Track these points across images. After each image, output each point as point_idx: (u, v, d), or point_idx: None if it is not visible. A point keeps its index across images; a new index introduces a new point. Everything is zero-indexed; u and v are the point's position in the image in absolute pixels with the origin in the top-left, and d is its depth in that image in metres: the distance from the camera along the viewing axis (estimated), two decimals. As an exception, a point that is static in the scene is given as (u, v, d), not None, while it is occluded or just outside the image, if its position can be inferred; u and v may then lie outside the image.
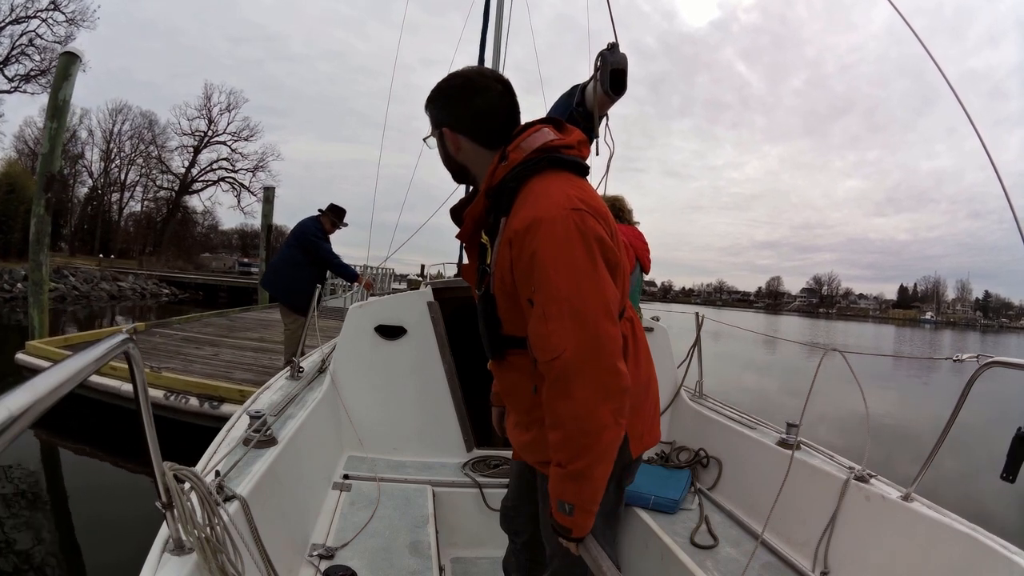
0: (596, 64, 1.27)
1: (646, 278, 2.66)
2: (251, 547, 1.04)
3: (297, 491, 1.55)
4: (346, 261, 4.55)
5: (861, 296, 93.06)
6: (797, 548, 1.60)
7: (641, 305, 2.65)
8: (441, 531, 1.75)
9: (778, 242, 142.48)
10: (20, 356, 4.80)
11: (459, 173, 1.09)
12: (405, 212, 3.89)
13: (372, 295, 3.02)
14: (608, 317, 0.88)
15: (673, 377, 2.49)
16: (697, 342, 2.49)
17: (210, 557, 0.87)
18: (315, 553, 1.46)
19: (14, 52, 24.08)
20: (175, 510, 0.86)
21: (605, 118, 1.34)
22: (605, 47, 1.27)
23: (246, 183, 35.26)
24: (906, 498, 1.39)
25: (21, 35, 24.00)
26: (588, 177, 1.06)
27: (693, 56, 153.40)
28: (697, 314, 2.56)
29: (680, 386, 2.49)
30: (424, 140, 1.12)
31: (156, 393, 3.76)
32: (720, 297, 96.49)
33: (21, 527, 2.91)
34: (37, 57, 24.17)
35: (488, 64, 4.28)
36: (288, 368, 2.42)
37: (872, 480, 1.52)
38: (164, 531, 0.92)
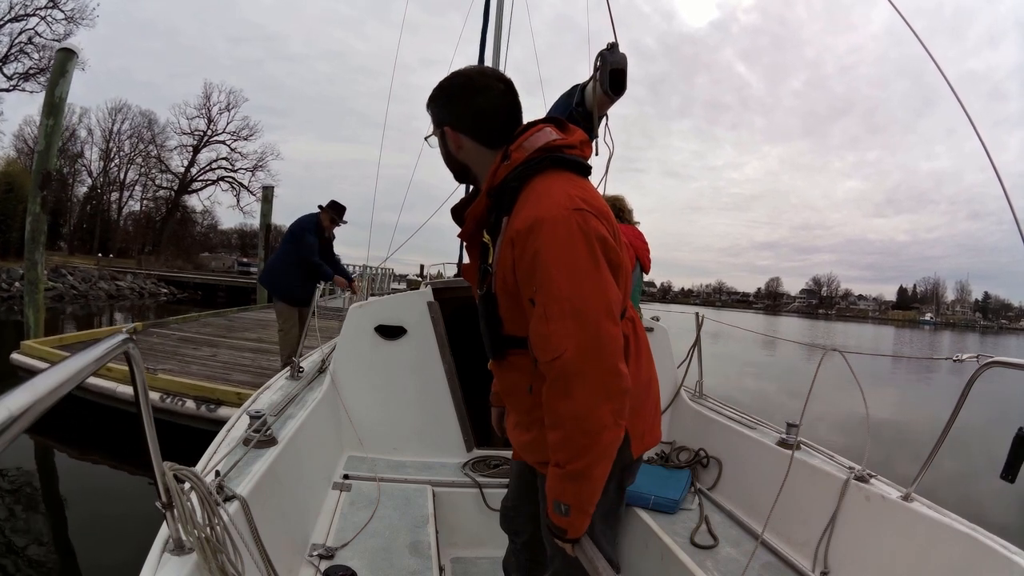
0: (596, 64, 1.27)
1: (646, 278, 2.66)
2: (251, 547, 1.04)
3: (297, 491, 1.55)
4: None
5: (860, 297, 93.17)
6: (797, 548, 1.60)
7: (641, 305, 2.65)
8: (441, 531, 1.75)
9: (777, 243, 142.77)
10: (15, 356, 4.77)
11: (460, 172, 1.09)
12: (405, 212, 3.89)
13: (357, 295, 3.02)
14: (610, 318, 0.88)
15: (673, 377, 2.50)
16: (697, 342, 2.49)
17: (210, 557, 0.87)
18: (315, 553, 1.46)
19: (13, 50, 24.06)
20: (175, 510, 0.86)
21: (605, 118, 1.34)
22: (605, 47, 1.27)
23: (245, 183, 35.27)
24: (906, 498, 1.40)
25: (20, 33, 23.98)
26: (589, 177, 1.06)
27: (693, 57, 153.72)
28: (697, 314, 2.56)
29: (680, 386, 2.49)
30: (426, 139, 1.12)
31: (152, 395, 3.71)
32: (719, 298, 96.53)
33: (20, 528, 2.90)
34: (36, 55, 24.16)
35: (488, 64, 4.28)
36: (288, 368, 2.41)
37: (872, 480, 1.52)
38: (164, 531, 0.92)
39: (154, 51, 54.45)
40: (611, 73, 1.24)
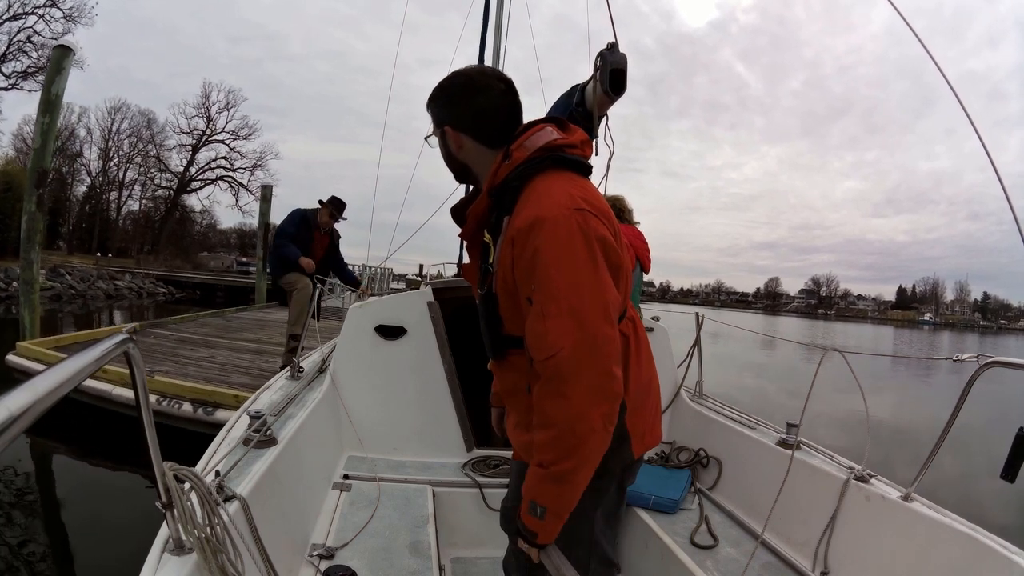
0: (596, 64, 1.27)
1: (645, 278, 2.66)
2: (251, 547, 1.04)
3: (297, 491, 1.55)
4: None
5: (860, 297, 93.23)
6: (797, 548, 1.60)
7: (641, 305, 2.65)
8: (441, 531, 1.75)
9: (776, 243, 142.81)
10: (11, 357, 4.71)
11: (461, 172, 1.09)
12: (405, 212, 3.89)
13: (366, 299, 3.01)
14: (606, 319, 0.88)
15: (673, 377, 2.50)
16: (697, 342, 2.49)
17: (210, 557, 0.87)
18: (315, 553, 1.46)
19: (11, 49, 24.03)
20: (175, 510, 0.86)
21: (605, 118, 1.34)
22: (605, 47, 1.27)
23: (244, 182, 35.25)
24: (906, 498, 1.40)
25: (18, 31, 23.96)
26: (590, 177, 1.06)
27: (691, 57, 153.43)
28: (697, 314, 2.56)
29: (680, 386, 2.49)
30: (426, 139, 1.12)
31: (150, 397, 3.69)
32: (718, 298, 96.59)
33: (19, 530, 2.90)
34: (35, 54, 24.15)
35: (488, 64, 4.28)
36: (288, 368, 2.41)
37: (872, 480, 1.52)
38: (164, 531, 0.91)
39: (153, 50, 54.42)
40: (611, 73, 1.24)
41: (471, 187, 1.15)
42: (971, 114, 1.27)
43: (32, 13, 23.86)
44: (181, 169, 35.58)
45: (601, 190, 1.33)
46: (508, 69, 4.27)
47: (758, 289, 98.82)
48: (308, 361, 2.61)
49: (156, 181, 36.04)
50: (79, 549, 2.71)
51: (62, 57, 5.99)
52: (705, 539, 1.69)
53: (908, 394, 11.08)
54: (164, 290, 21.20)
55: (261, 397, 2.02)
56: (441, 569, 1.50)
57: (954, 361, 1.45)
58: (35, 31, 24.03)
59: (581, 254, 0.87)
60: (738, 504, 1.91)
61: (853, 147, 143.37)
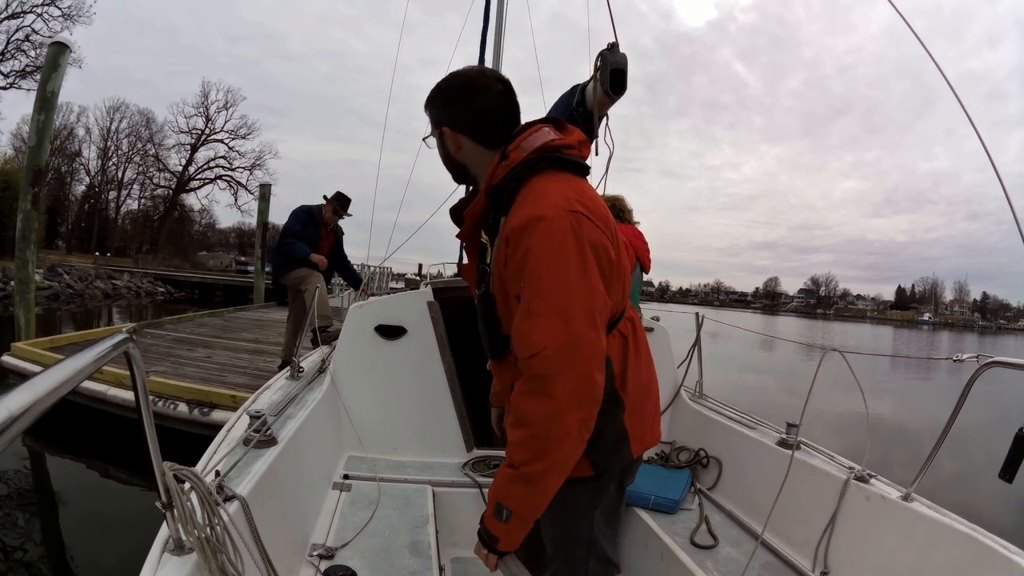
0: (596, 64, 1.26)
1: (645, 278, 2.66)
2: (251, 547, 1.04)
3: (297, 491, 1.55)
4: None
5: (859, 297, 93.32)
6: (797, 548, 1.60)
7: (640, 305, 2.65)
8: (441, 531, 1.75)
9: (776, 243, 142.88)
10: (5, 358, 4.66)
11: (459, 173, 1.09)
12: (404, 212, 3.89)
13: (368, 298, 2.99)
14: (591, 324, 0.87)
15: (673, 377, 2.50)
16: (697, 342, 2.49)
17: (210, 557, 0.87)
18: (315, 553, 1.46)
19: (9, 47, 23.98)
20: (175, 510, 0.86)
21: (605, 118, 1.34)
22: (605, 47, 1.27)
23: (243, 181, 35.20)
24: (906, 498, 1.40)
25: (17, 30, 23.91)
26: (588, 177, 1.06)
27: (690, 56, 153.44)
28: (697, 314, 2.56)
29: (680, 386, 2.49)
30: (424, 140, 1.12)
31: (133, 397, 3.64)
32: (717, 297, 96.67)
33: (19, 530, 2.89)
34: (33, 53, 24.08)
35: (488, 64, 4.28)
36: (288, 368, 2.41)
37: (872, 480, 1.52)
38: (164, 531, 0.91)
39: (152, 49, 54.32)
40: (611, 73, 1.24)
41: (471, 187, 1.15)
42: (971, 114, 1.27)
43: (30, 11, 23.84)
44: (180, 168, 35.58)
45: (600, 190, 1.33)
46: (508, 69, 4.27)
47: (757, 289, 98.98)
48: (308, 361, 2.61)
49: (155, 180, 36.04)
50: (79, 549, 2.71)
51: (58, 54, 5.90)
52: (705, 539, 1.69)
53: (908, 395, 11.09)
54: (162, 290, 21.18)
55: (261, 397, 2.01)
56: (441, 569, 1.50)
57: (954, 361, 1.45)
58: (33, 30, 24.01)
59: (572, 256, 0.87)
60: (738, 504, 1.91)
61: (853, 147, 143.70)
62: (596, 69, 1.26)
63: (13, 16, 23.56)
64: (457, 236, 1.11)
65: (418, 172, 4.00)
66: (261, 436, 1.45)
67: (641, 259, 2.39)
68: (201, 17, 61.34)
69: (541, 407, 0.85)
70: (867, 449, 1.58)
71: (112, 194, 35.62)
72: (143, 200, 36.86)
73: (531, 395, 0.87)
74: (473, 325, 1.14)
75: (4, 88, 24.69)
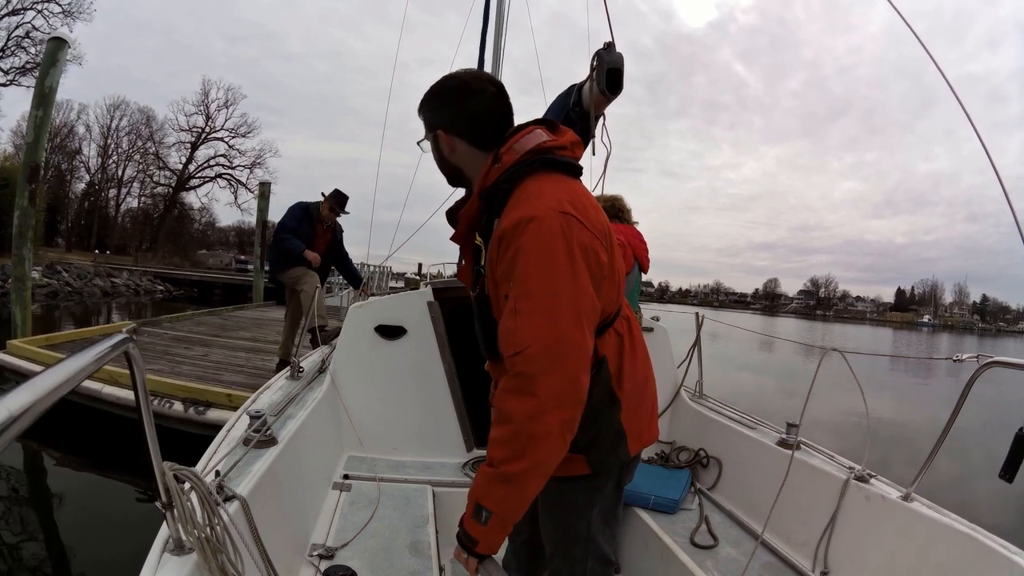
0: (592, 64, 1.26)
1: (644, 278, 2.66)
2: (251, 547, 1.04)
3: (297, 491, 1.55)
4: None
5: (858, 298, 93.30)
6: (797, 548, 1.61)
7: (640, 306, 2.65)
8: (441, 531, 1.75)
9: (775, 243, 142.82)
10: (1, 356, 4.61)
11: (454, 176, 1.09)
12: (404, 211, 3.88)
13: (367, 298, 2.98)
14: (577, 325, 0.87)
15: (673, 377, 2.50)
16: (697, 342, 2.49)
17: (210, 557, 0.87)
18: (315, 553, 1.46)
19: (9, 44, 23.94)
20: (175, 510, 0.86)
21: (602, 117, 1.33)
22: (601, 47, 1.27)
23: (243, 180, 35.17)
24: (906, 498, 1.40)
25: (17, 27, 23.86)
26: (585, 177, 1.06)
27: (690, 56, 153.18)
28: (697, 314, 2.56)
29: (680, 386, 2.49)
30: (418, 143, 1.12)
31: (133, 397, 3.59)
32: (717, 298, 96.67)
33: (18, 530, 2.89)
34: (33, 50, 24.03)
35: (488, 63, 4.28)
36: (288, 368, 2.41)
37: (872, 480, 1.52)
38: (164, 531, 0.91)
39: (151, 49, 54.20)
40: (608, 72, 1.24)
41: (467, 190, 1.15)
42: (971, 116, 1.27)
43: (31, 8, 23.80)
44: (180, 166, 35.55)
45: (598, 190, 1.32)
46: (507, 69, 4.26)
47: (757, 290, 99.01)
48: (308, 361, 2.61)
49: (155, 178, 36.04)
50: (79, 549, 2.70)
51: (57, 49, 5.84)
52: (705, 539, 1.70)
53: (908, 396, 11.10)
54: (161, 288, 21.16)
55: (261, 397, 2.01)
56: (441, 569, 1.50)
57: (954, 361, 1.45)
58: (34, 26, 23.98)
59: (561, 257, 0.87)
60: (738, 504, 1.91)
61: (852, 148, 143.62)
62: (592, 69, 1.26)
63: (14, 12, 23.55)
64: (452, 239, 1.11)
65: (418, 172, 4.00)
66: (261, 436, 1.45)
67: (640, 259, 2.39)
68: (200, 17, 61.32)
69: (524, 405, 0.85)
70: (867, 449, 1.58)
71: (112, 192, 35.68)
72: (143, 198, 36.92)
73: (514, 393, 0.86)
74: (473, 325, 1.15)
75: (4, 85, 24.68)
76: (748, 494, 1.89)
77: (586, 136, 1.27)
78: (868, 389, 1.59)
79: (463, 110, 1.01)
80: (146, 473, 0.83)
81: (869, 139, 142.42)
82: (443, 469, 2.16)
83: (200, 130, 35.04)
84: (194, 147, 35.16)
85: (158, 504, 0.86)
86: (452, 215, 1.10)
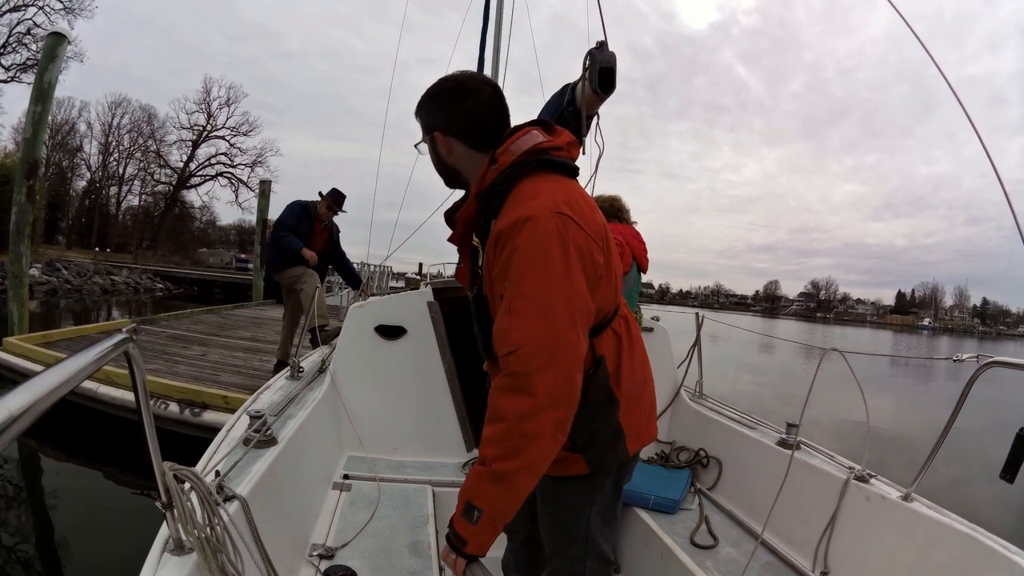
0: (585, 63, 1.26)
1: (644, 279, 2.65)
2: (251, 547, 1.04)
3: (297, 491, 1.55)
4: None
5: (859, 301, 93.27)
6: (797, 548, 1.61)
7: (640, 306, 2.64)
8: (441, 531, 1.74)
9: (775, 245, 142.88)
10: None
11: (451, 177, 1.09)
12: (404, 211, 3.87)
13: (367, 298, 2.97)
14: (571, 325, 0.87)
15: (673, 377, 2.50)
16: (697, 342, 2.49)
17: (210, 557, 0.87)
18: (315, 553, 1.46)
19: (11, 41, 23.92)
20: (175, 510, 0.86)
21: (596, 117, 1.33)
22: (594, 46, 1.26)
23: (244, 178, 35.17)
24: (906, 498, 1.40)
25: (18, 23, 23.84)
26: (577, 178, 1.06)
27: (691, 58, 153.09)
28: (697, 314, 2.56)
29: (680, 386, 2.49)
30: (415, 146, 1.12)
31: (134, 397, 3.54)
32: (718, 300, 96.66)
33: (18, 530, 2.89)
34: (34, 47, 23.99)
35: (487, 63, 4.27)
36: (287, 368, 2.41)
37: (872, 480, 1.52)
38: (164, 531, 0.91)
39: (152, 47, 54.22)
40: (600, 71, 1.23)
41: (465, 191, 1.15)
42: (972, 119, 1.26)
43: (32, 4, 23.78)
44: (181, 165, 35.53)
45: (589, 190, 1.32)
46: (507, 69, 4.26)
47: (757, 292, 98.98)
48: (308, 361, 2.61)
49: (156, 176, 36.01)
50: (79, 549, 2.70)
51: (56, 44, 5.80)
52: (705, 539, 1.70)
53: (907, 398, 11.10)
54: (161, 286, 21.17)
55: (261, 397, 2.01)
56: (441, 569, 1.50)
57: (954, 361, 1.45)
58: (35, 23, 23.94)
59: (555, 257, 0.87)
60: (738, 504, 1.91)
61: (853, 150, 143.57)
62: (585, 68, 1.25)
63: (15, 9, 23.53)
64: (449, 240, 1.11)
65: (418, 172, 3.99)
66: (261, 436, 1.45)
67: (639, 259, 2.38)
68: (200, 16, 61.34)
69: (517, 404, 0.85)
70: (867, 449, 1.58)
71: (113, 190, 35.67)
72: (144, 196, 36.91)
73: (508, 392, 0.86)
74: (472, 325, 1.15)
75: (5, 82, 24.65)
76: (748, 494, 1.89)
77: (580, 135, 1.26)
78: (868, 390, 1.59)
79: (460, 111, 1.01)
80: (146, 473, 0.83)
81: (869, 142, 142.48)
82: (443, 469, 2.16)
83: (201, 128, 35.06)
84: (195, 145, 35.20)
85: (158, 504, 0.86)
86: (450, 216, 1.11)
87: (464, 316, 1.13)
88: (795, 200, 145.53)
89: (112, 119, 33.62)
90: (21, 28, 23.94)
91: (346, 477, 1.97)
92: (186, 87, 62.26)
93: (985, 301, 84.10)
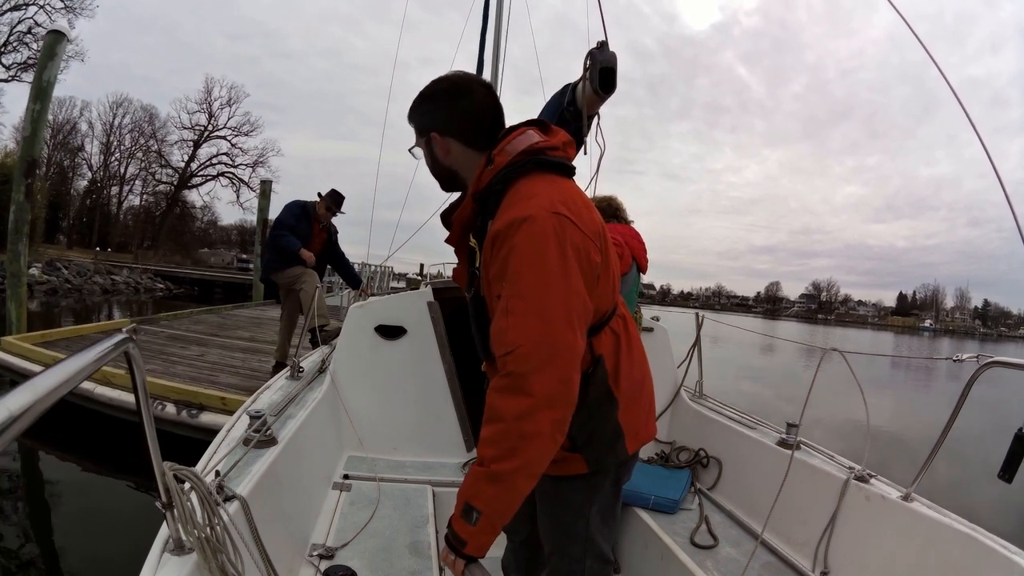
0: (585, 63, 1.26)
1: (645, 279, 2.65)
2: (251, 547, 1.04)
3: (297, 491, 1.55)
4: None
5: (860, 303, 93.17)
6: (797, 548, 1.61)
7: (641, 307, 2.64)
8: (441, 531, 1.74)
9: (776, 247, 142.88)
10: None
11: (448, 179, 1.08)
12: (405, 211, 3.87)
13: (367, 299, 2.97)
14: (568, 325, 0.87)
15: (673, 377, 2.50)
16: (697, 342, 2.49)
17: (210, 557, 0.87)
18: (315, 553, 1.46)
19: (11, 40, 23.95)
20: (175, 510, 0.86)
21: (596, 117, 1.33)
22: (595, 46, 1.26)
23: (246, 178, 35.18)
24: (906, 498, 1.40)
25: (19, 22, 23.86)
26: (577, 177, 1.06)
27: (693, 58, 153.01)
28: (697, 314, 2.56)
29: (680, 386, 2.49)
30: (410, 150, 1.11)
31: (130, 397, 3.47)
32: (719, 301, 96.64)
33: (17, 531, 2.88)
34: (35, 46, 23.99)
35: (487, 63, 4.27)
36: (286, 368, 2.41)
37: (872, 480, 1.52)
38: (164, 531, 0.91)
39: (152, 46, 54.19)
40: (601, 72, 1.23)
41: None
42: (973, 120, 1.26)
43: (33, 3, 23.79)
44: (182, 164, 35.54)
45: (590, 191, 1.32)
46: (508, 69, 4.26)
47: (758, 293, 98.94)
48: (308, 361, 2.61)
49: (157, 176, 36.03)
50: (78, 549, 2.70)
51: (55, 42, 5.79)
52: (705, 539, 1.69)
53: (907, 400, 11.08)
54: (162, 286, 21.19)
55: (261, 397, 2.01)
56: (441, 569, 1.50)
57: (954, 361, 1.45)
58: (36, 22, 23.95)
59: (553, 257, 0.87)
60: (738, 504, 1.91)
61: (854, 152, 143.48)
62: (585, 68, 1.25)
63: (15, 8, 23.54)
64: (447, 241, 1.11)
65: (419, 173, 3.99)
66: (261, 436, 1.45)
67: (637, 258, 2.37)
68: (201, 15, 61.42)
69: (515, 404, 0.85)
70: (867, 449, 1.58)
71: (114, 189, 35.69)
72: (145, 196, 36.92)
73: (505, 392, 0.86)
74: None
75: (6, 81, 24.67)
76: (748, 494, 1.89)
77: (579, 136, 1.26)
78: (869, 391, 1.59)
79: (455, 111, 1.01)
80: (146, 473, 0.83)
81: (870, 143, 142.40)
82: (443, 469, 2.16)
83: (203, 128, 35.08)
84: (196, 145, 35.20)
85: (158, 504, 0.86)
86: (446, 217, 1.11)
87: (464, 316, 1.13)
88: (796, 202, 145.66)
89: (113, 119, 33.72)
90: (22, 27, 23.98)
91: (346, 477, 1.97)
92: (187, 86, 62.45)
93: (986, 303, 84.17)
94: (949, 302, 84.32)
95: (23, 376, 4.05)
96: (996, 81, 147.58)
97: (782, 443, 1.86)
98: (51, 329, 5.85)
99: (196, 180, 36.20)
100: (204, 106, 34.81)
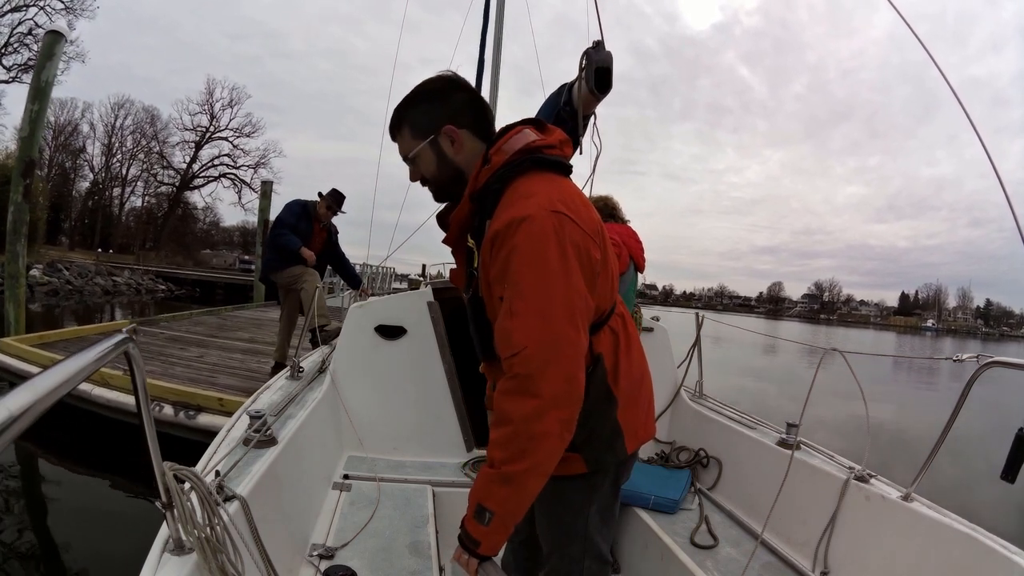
0: (581, 63, 1.26)
1: (649, 280, 2.65)
2: (251, 547, 1.04)
3: (297, 491, 1.55)
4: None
5: (862, 303, 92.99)
6: (797, 548, 1.60)
7: (642, 307, 2.64)
8: (441, 531, 1.75)
9: (778, 247, 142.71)
10: None
11: (452, 181, 1.04)
12: (405, 211, 3.87)
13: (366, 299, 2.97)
14: (572, 324, 0.87)
15: (673, 377, 2.49)
16: (697, 342, 2.49)
17: (210, 557, 0.87)
18: (315, 553, 1.46)
19: (12, 41, 24.00)
20: (175, 510, 0.86)
21: (593, 117, 1.33)
22: (591, 46, 1.26)
23: (248, 180, 35.21)
24: (906, 498, 1.40)
25: (19, 23, 23.92)
26: (574, 177, 1.06)
27: (694, 59, 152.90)
28: (697, 314, 2.56)
29: (680, 386, 2.49)
30: (408, 157, 1.06)
31: (128, 399, 3.48)
32: (721, 302, 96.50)
33: (17, 531, 2.89)
34: (36, 47, 24.03)
35: (488, 63, 4.28)
36: (286, 369, 2.41)
37: (872, 480, 1.52)
38: (164, 531, 0.91)
39: (153, 47, 54.27)
40: (596, 71, 1.23)
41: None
42: (973, 120, 1.26)
43: (33, 5, 23.83)
44: (184, 166, 35.59)
45: (587, 191, 1.32)
46: (508, 69, 4.26)
47: (761, 293, 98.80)
48: (308, 361, 2.61)
49: (159, 177, 36.08)
50: (78, 549, 2.70)
51: (53, 43, 5.74)
52: (705, 539, 1.69)
53: (908, 401, 11.06)
54: (163, 287, 21.20)
55: (261, 397, 2.02)
56: (441, 569, 1.50)
57: (954, 361, 1.45)
58: (36, 23, 23.99)
59: (553, 256, 0.87)
60: (738, 504, 1.91)
61: (855, 152, 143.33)
62: (581, 68, 1.25)
63: (16, 9, 23.58)
64: (443, 241, 1.10)
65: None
66: (261, 436, 1.45)
67: (635, 258, 2.37)
68: (201, 15, 61.35)
69: (523, 406, 0.85)
70: (867, 449, 1.57)
71: (116, 191, 35.74)
72: (147, 197, 36.95)
73: (513, 394, 0.87)
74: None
75: (6, 82, 24.71)
76: (748, 494, 1.89)
77: (576, 136, 1.26)
78: (870, 391, 1.58)
79: (459, 100, 1.01)
80: (145, 473, 0.83)
81: (872, 143, 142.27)
82: (443, 469, 2.17)
83: (204, 129, 35.12)
84: (198, 146, 35.24)
85: (158, 504, 0.86)
86: (443, 218, 1.10)
87: (464, 316, 1.13)
88: (798, 202, 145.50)
89: (115, 120, 33.75)
90: (22, 28, 24.03)
91: (346, 477, 1.97)
92: (187, 87, 62.59)
93: (988, 303, 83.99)
94: (951, 302, 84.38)
95: (20, 377, 4.04)
96: (997, 81, 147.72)
97: (782, 443, 1.86)
98: (51, 330, 5.85)
99: (198, 181, 36.26)
100: (206, 107, 34.89)
